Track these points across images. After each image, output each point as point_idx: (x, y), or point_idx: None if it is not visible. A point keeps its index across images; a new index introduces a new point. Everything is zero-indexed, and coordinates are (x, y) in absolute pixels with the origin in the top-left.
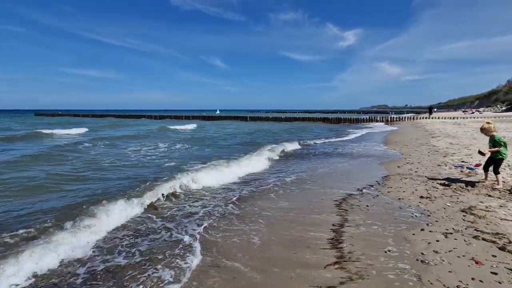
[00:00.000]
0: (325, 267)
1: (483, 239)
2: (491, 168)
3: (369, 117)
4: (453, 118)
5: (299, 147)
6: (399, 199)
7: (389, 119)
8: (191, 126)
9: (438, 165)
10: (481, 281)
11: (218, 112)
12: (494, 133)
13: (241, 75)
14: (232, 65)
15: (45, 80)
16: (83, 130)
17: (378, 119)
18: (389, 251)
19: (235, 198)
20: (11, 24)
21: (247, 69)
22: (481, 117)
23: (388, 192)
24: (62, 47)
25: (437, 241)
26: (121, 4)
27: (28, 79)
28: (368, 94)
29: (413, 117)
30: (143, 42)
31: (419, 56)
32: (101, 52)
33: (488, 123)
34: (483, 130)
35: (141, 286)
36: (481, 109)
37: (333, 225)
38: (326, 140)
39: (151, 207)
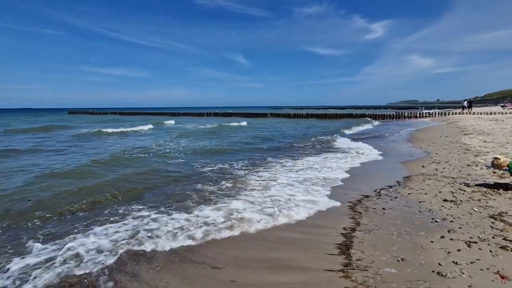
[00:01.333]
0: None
1: None
2: None
3: (396, 113)
4: (490, 113)
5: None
6: (420, 202)
7: (419, 115)
8: (243, 123)
9: (468, 165)
10: None
11: (230, 111)
12: (508, 161)
13: (263, 71)
14: (254, 61)
15: (76, 79)
16: (148, 127)
17: (406, 115)
18: (402, 259)
19: None
20: (47, 27)
21: (268, 65)
22: None
23: (409, 194)
24: (93, 48)
25: (458, 250)
26: (146, 4)
27: (61, 79)
28: (396, 88)
29: (445, 113)
30: (166, 40)
31: (454, 47)
32: (126, 51)
33: (496, 158)
34: (494, 166)
35: None
36: None
37: (343, 228)
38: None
39: None
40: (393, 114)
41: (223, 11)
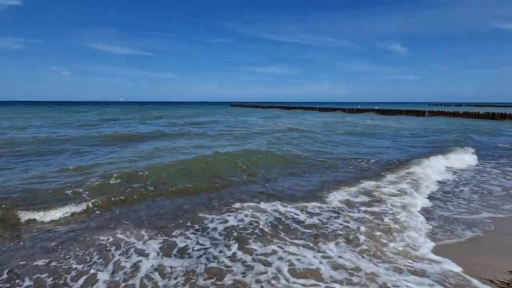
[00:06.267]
0: None
1: None
2: None
3: None
4: None
5: None
6: None
7: None
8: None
9: None
10: None
11: (376, 107)
12: None
13: (425, 59)
14: (415, 48)
15: (236, 78)
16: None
17: None
18: None
19: None
20: (221, 37)
21: (433, 52)
22: None
23: None
24: (253, 50)
25: None
26: (296, 3)
27: (226, 78)
28: None
29: None
30: (314, 36)
31: None
32: (276, 50)
33: None
34: None
35: None
36: None
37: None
38: None
39: None
40: None
41: None
